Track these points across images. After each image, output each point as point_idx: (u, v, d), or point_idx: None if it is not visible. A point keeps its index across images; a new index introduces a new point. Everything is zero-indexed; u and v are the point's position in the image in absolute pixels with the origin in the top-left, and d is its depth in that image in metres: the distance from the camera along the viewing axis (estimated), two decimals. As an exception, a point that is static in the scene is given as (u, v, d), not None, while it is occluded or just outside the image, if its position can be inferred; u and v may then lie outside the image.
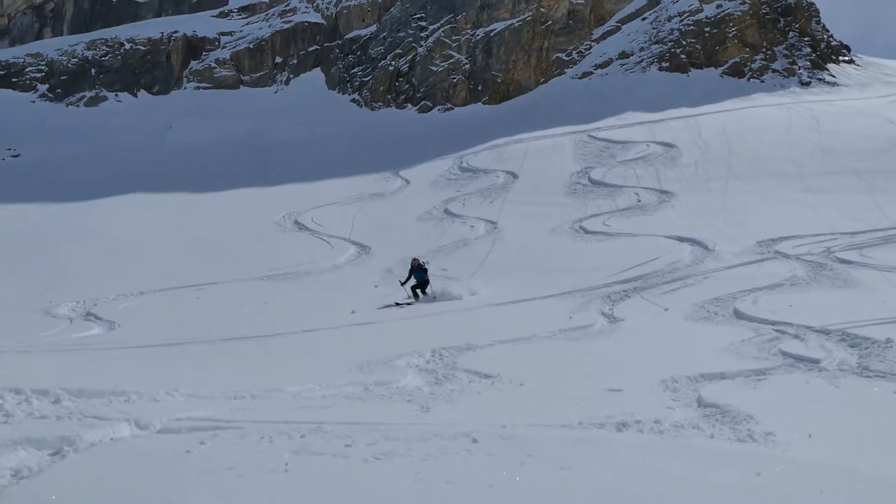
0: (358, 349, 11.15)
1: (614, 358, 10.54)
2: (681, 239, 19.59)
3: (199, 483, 4.28)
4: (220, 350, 11.65)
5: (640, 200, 24.41)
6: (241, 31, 49.59)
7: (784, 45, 41.54)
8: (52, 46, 48.31)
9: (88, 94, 46.05)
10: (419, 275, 17.29)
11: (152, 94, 46.97)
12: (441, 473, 4.65)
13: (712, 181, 25.67)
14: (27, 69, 46.60)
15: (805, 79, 39.76)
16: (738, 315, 12.89)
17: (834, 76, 40.36)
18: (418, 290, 17.20)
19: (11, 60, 46.93)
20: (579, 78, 42.84)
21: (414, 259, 17.61)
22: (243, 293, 17.61)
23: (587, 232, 21.44)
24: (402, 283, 17.28)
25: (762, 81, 39.84)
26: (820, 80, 39.80)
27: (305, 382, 8.28)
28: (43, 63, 46.96)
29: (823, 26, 44.08)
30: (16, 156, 37.82)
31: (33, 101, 45.39)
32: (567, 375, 9.42)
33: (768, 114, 34.08)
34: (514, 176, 28.72)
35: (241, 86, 47.78)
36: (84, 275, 19.22)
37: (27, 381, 6.89)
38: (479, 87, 44.15)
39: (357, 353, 10.61)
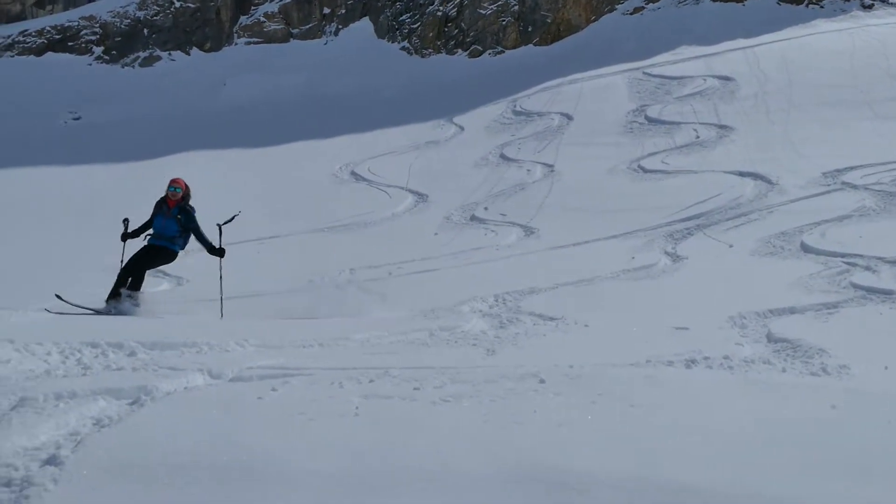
0: (421, 296, 11.22)
1: (679, 296, 10.46)
2: (742, 174, 19.21)
3: (273, 428, 4.36)
4: (285, 302, 11.81)
5: (698, 136, 23.94)
6: (288, -17, 49.42)
7: (845, -32, 40.06)
8: (105, 8, 48.65)
9: (142, 54, 46.41)
10: (168, 225, 10.18)
11: (204, 51, 47.15)
12: (510, 414, 4.66)
13: (773, 113, 25.04)
14: (82, 32, 47.06)
15: (867, 1, 38.33)
16: (806, 249, 12.68)
17: (898, -3, 38.89)
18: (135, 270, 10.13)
19: (66, 24, 47.42)
20: (630, 14, 41.84)
21: (175, 182, 10.47)
22: (304, 246, 17.76)
23: (646, 171, 21.13)
24: (127, 237, 10.81)
25: (821, 7, 38.47)
26: (883, 1, 38.33)
27: (371, 330, 8.37)
28: (97, 25, 47.37)
29: (886, -55, 42.38)
30: (77, 118, 38.42)
31: (90, 64, 45.91)
32: (632, 315, 9.38)
33: (830, 40, 32.98)
34: (569, 117, 28.35)
35: (291, 39, 47.68)
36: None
37: (102, 335, 7.06)
38: (530, 29, 43.45)
39: (421, 301, 10.69)
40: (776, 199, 16.72)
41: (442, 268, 14.18)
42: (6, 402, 4.90)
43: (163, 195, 10.40)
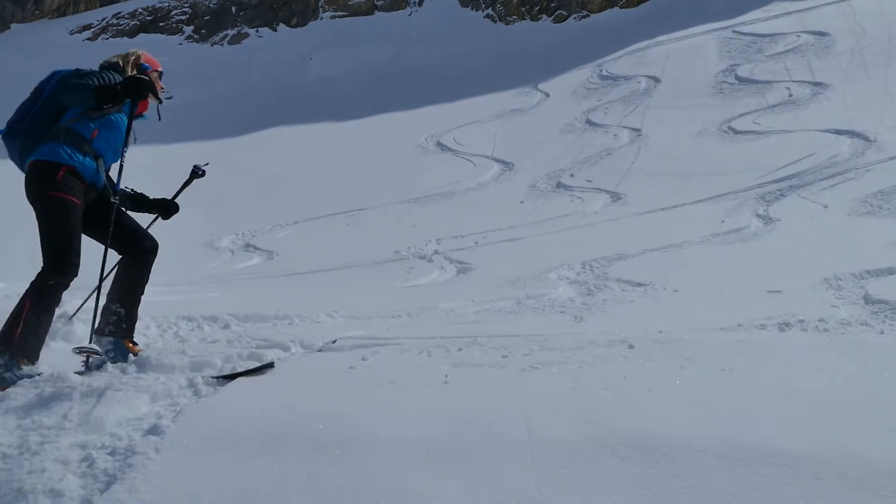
0: (507, 265, 11.24)
1: (771, 259, 10.23)
2: (838, 132, 18.55)
3: (364, 396, 4.44)
4: (373, 273, 11.97)
5: (791, 95, 23.21)
6: (370, -45, 49.51)
7: (949, -87, 38.03)
8: (193, -13, 49.75)
9: (231, 32, 47.20)
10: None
11: (291, 27, 47.68)
12: (599, 380, 4.64)
13: (871, 68, 24.06)
14: (172, 13, 48.14)
15: (974, -52, 36.37)
16: (906, 207, 12.25)
17: None
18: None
19: (157, 5, 48.56)
20: (720, -29, 40.68)
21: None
22: (392, 217, 17.92)
23: (736, 132, 20.61)
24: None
25: (924, -45, 36.71)
26: None
27: (458, 299, 8.43)
28: (187, 5, 48.37)
29: None
30: (169, 98, 39.15)
31: (180, 44, 46.90)
32: (723, 279, 9.21)
33: (934, -11, 31.46)
34: (657, 80, 27.79)
35: (376, 11, 47.83)
36: (240, 208, 19.98)
37: (198, 309, 7.30)
38: (615, -9, 42.63)
39: (507, 269, 10.71)
40: (874, 157, 16.12)
41: (528, 236, 14.15)
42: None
43: (134, 73, 5.39)
